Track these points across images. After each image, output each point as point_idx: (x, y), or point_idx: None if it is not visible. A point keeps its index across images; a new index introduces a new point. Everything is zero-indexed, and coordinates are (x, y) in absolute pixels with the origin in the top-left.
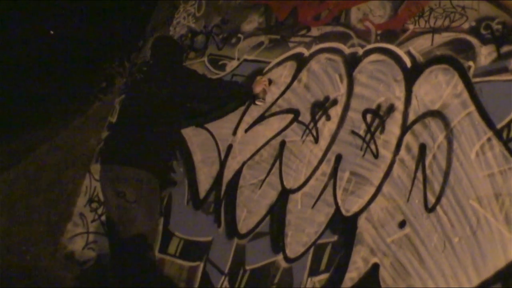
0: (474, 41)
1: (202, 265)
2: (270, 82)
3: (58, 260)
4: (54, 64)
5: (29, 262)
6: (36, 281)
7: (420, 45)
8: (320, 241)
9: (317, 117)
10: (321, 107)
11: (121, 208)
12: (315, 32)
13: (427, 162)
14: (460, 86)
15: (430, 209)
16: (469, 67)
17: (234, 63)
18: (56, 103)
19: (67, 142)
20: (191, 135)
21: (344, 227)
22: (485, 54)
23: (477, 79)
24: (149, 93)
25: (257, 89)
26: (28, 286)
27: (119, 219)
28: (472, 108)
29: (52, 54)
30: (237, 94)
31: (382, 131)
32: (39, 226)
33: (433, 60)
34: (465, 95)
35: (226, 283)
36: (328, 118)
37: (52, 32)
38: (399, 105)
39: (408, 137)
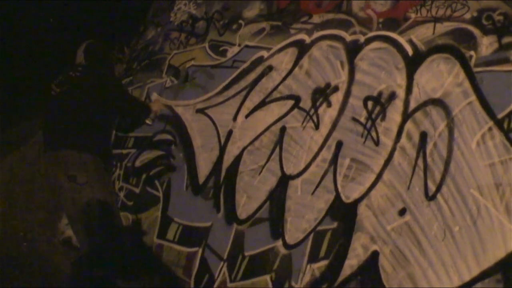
0: (475, 31)
1: (200, 250)
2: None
3: (55, 246)
4: (53, 50)
5: (26, 248)
6: (33, 266)
7: (422, 34)
8: (319, 228)
9: (318, 103)
10: (322, 93)
11: (73, 191)
12: (316, 19)
13: (428, 150)
14: (462, 76)
15: (430, 197)
16: (471, 56)
17: (235, 49)
18: None
19: None
20: (191, 120)
21: (344, 214)
22: (486, 45)
23: (479, 69)
24: (80, 92)
25: (154, 107)
26: (24, 271)
27: (73, 202)
28: (473, 97)
29: (51, 40)
30: (136, 109)
31: (383, 119)
32: (37, 212)
33: (435, 49)
34: (467, 84)
35: (224, 269)
36: (329, 104)
37: (51, 20)
38: (401, 93)
39: (409, 125)
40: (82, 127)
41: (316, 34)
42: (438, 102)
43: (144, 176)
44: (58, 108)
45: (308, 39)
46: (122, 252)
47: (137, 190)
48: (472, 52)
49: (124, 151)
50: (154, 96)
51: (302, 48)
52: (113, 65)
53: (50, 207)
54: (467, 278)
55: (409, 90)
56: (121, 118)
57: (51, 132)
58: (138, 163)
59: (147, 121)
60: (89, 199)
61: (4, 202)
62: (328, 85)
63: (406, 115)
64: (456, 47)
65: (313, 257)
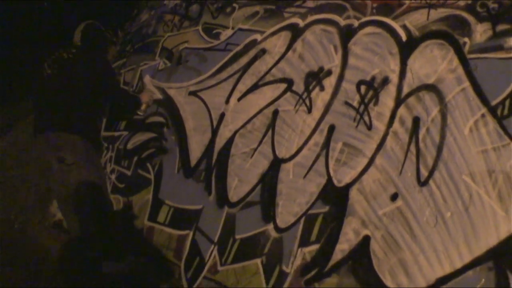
0: (470, 18)
1: (191, 233)
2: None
3: (46, 229)
4: (46, 32)
5: (17, 230)
6: (24, 250)
7: (416, 20)
8: (311, 212)
9: (311, 87)
10: (315, 77)
11: (62, 172)
12: (310, 3)
13: (420, 136)
14: (455, 62)
15: (422, 183)
16: (465, 43)
17: (229, 32)
18: None
19: None
20: (183, 102)
21: (335, 198)
22: (481, 32)
23: (472, 56)
24: (72, 74)
25: (144, 98)
26: (15, 255)
27: (62, 183)
28: (466, 84)
29: (44, 22)
30: (126, 102)
31: (376, 103)
32: (28, 194)
33: (429, 35)
34: (460, 70)
35: (215, 252)
36: (322, 88)
37: (45, 3)
38: (394, 78)
39: (402, 110)
40: (72, 108)
41: (310, 18)
42: (431, 88)
43: (135, 158)
44: (49, 90)
45: (301, 23)
46: (110, 234)
47: (128, 173)
48: (466, 39)
49: (116, 134)
50: (147, 79)
51: (296, 32)
52: (107, 49)
53: (41, 190)
54: (458, 265)
55: (402, 75)
56: (112, 108)
57: (41, 114)
58: (130, 146)
59: (139, 112)
60: (77, 180)
61: None
62: (321, 69)
63: (399, 100)
64: (450, 33)
65: (304, 241)
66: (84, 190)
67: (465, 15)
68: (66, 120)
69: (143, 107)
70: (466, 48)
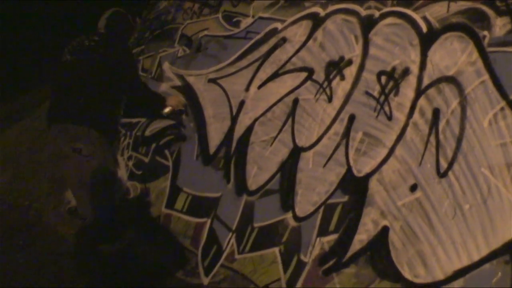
0: (489, 11)
1: (209, 221)
2: (184, 111)
3: (60, 216)
4: (63, 19)
5: (32, 217)
6: (38, 236)
7: (436, 12)
8: (330, 201)
9: (331, 76)
10: (335, 66)
11: (78, 162)
12: None
13: (440, 127)
14: (475, 55)
15: (442, 174)
16: (484, 36)
17: (249, 20)
18: None
19: None
20: (203, 90)
21: (355, 188)
22: (500, 25)
23: (492, 49)
24: (92, 63)
25: (171, 101)
26: (29, 242)
27: (77, 171)
28: (486, 76)
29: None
30: (147, 96)
31: (396, 94)
32: (43, 181)
33: (449, 27)
34: (480, 63)
35: (233, 241)
36: (343, 78)
37: None
38: (414, 69)
39: (422, 101)
40: (88, 99)
41: (331, 8)
42: (451, 80)
43: (154, 145)
44: (67, 77)
45: (322, 12)
46: (121, 224)
47: (146, 160)
48: (485, 32)
49: (134, 120)
50: (166, 66)
51: (316, 21)
52: (130, 39)
53: (56, 177)
54: (476, 257)
55: (422, 66)
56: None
57: (57, 102)
58: (148, 132)
59: (162, 113)
60: (93, 170)
61: (10, 171)
62: (342, 58)
63: (419, 91)
64: (469, 26)
65: (323, 231)
66: (99, 180)
67: (484, 8)
68: (82, 111)
69: (168, 109)
70: (486, 42)
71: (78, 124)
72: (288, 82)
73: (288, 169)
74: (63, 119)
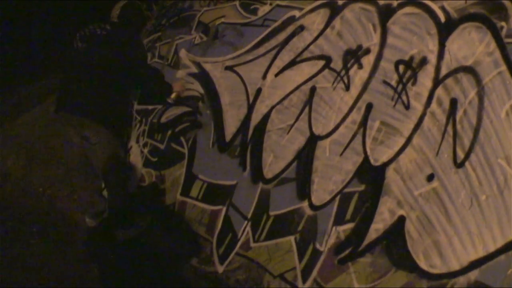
0: (506, 3)
1: (224, 209)
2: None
3: (74, 202)
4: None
5: (45, 204)
6: (51, 223)
7: (454, 2)
8: (347, 190)
9: (349, 65)
10: (353, 55)
11: (86, 147)
12: None
13: (457, 117)
14: (493, 45)
15: (459, 165)
16: (502, 27)
17: (266, 8)
18: None
19: None
20: (219, 77)
21: (372, 177)
22: None
23: (509, 40)
24: (102, 52)
25: (176, 87)
26: (43, 228)
27: (84, 156)
28: (503, 67)
29: None
30: (156, 86)
31: (414, 83)
32: (57, 168)
33: (467, 17)
34: (497, 54)
35: (248, 229)
36: (360, 66)
37: None
38: (432, 58)
39: (439, 91)
40: (100, 91)
41: None
42: (469, 70)
43: (169, 132)
44: (78, 65)
45: (340, 1)
46: (136, 210)
47: (162, 146)
48: (503, 23)
49: (150, 107)
50: (182, 53)
51: (334, 9)
52: (142, 30)
53: (70, 163)
54: (492, 248)
55: (440, 56)
56: (140, 92)
57: (68, 91)
58: (164, 119)
59: (168, 100)
60: (101, 159)
61: (23, 158)
62: (359, 47)
63: (437, 81)
64: (487, 17)
65: (339, 220)
66: (109, 167)
67: None
68: (90, 101)
69: (173, 95)
70: (503, 33)
71: (86, 114)
72: (306, 70)
73: (305, 158)
74: (71, 108)
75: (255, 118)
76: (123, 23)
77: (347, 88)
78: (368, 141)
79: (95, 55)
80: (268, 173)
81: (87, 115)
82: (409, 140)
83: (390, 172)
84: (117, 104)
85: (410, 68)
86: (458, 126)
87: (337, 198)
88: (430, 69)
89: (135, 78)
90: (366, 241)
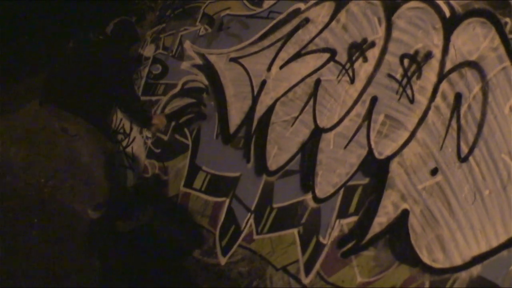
0: None
1: (228, 201)
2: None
3: (77, 194)
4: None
5: (47, 195)
6: (53, 214)
7: None
8: (350, 183)
9: (354, 58)
10: (358, 48)
11: (67, 141)
12: None
13: (462, 112)
14: (497, 41)
15: (463, 159)
16: (506, 23)
17: (271, 0)
18: None
19: None
20: (224, 69)
21: (376, 170)
22: None
23: None
24: (90, 58)
25: (155, 121)
26: (44, 219)
27: (67, 151)
28: (508, 63)
29: None
30: (137, 114)
31: (418, 77)
32: (59, 159)
33: (472, 13)
34: (502, 50)
35: (251, 221)
36: (365, 59)
37: None
38: (437, 53)
39: (444, 85)
40: (80, 89)
41: None
42: (473, 65)
43: (173, 123)
44: (66, 63)
45: None
46: (137, 202)
47: (165, 138)
48: (507, 19)
49: (154, 98)
50: (187, 44)
51: (339, 3)
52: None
53: (71, 155)
54: (494, 243)
55: (445, 50)
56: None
57: (53, 85)
58: (167, 110)
59: (147, 133)
60: (82, 152)
61: (25, 149)
62: (364, 40)
63: (442, 75)
64: (492, 12)
65: (343, 213)
66: (95, 161)
67: None
68: (73, 95)
69: (152, 129)
70: (507, 28)
71: (66, 106)
72: (311, 62)
73: (309, 150)
74: (54, 102)
75: (260, 110)
76: (115, 39)
77: (352, 81)
78: (373, 134)
79: (82, 58)
80: (272, 165)
81: (67, 107)
82: (413, 134)
83: (394, 166)
84: (102, 98)
85: (415, 62)
86: (462, 121)
87: (341, 191)
88: (434, 63)
89: (116, 93)
90: (369, 235)
